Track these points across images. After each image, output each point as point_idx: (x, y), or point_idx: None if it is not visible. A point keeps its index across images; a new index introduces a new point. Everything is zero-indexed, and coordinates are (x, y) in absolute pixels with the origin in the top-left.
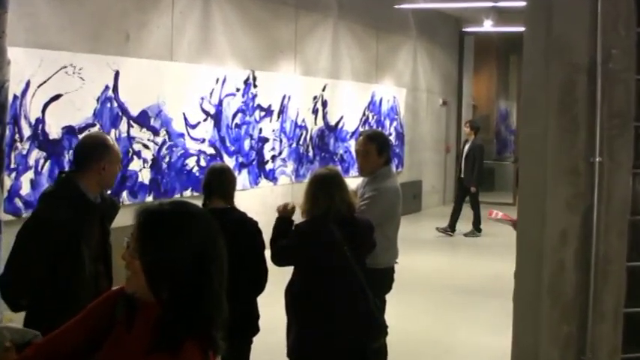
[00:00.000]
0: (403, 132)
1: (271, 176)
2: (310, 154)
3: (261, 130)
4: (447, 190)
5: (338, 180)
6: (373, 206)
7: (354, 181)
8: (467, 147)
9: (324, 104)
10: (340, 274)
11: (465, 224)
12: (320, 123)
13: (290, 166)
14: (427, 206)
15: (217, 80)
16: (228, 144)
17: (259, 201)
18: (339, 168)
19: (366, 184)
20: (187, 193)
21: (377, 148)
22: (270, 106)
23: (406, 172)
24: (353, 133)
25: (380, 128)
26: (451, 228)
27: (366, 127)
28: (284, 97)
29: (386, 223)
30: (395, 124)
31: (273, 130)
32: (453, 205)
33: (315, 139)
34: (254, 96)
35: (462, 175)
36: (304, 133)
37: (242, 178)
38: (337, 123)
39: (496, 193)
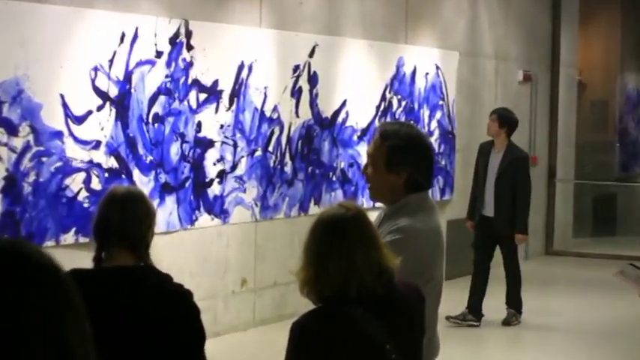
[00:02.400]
0: (453, 130)
1: (218, 208)
2: (288, 168)
3: (199, 125)
4: (533, 234)
5: (360, 227)
6: None
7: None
8: (496, 158)
9: (313, 80)
10: None
11: (494, 299)
12: (305, 113)
13: (252, 191)
14: (498, 262)
15: (122, 37)
16: (141, 151)
17: (197, 254)
18: (358, 203)
19: (384, 218)
20: (68, 237)
21: (386, 155)
22: (215, 83)
23: (458, 202)
24: (365, 132)
25: (411, 121)
26: (474, 312)
27: (387, 120)
28: (241, 67)
29: None
30: (438, 115)
31: (222, 127)
32: (473, 269)
33: (298, 141)
34: (188, 65)
35: (488, 213)
36: (277, 131)
37: (165, 213)
38: (336, 113)
39: (621, 239)
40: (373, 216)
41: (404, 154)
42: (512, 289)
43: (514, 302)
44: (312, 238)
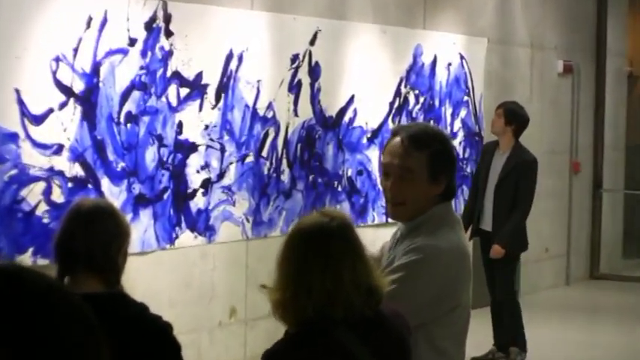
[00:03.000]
0: (480, 131)
1: (202, 224)
2: (285, 176)
3: (180, 126)
4: (575, 254)
5: (346, 239)
6: (407, 287)
7: (381, 235)
8: (499, 161)
9: (315, 72)
10: None
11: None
12: (306, 112)
13: (242, 203)
14: (533, 288)
15: (89, 22)
16: (111, 156)
17: (177, 279)
18: (346, 212)
19: (401, 237)
20: (25, 259)
21: (428, 165)
22: (199, 76)
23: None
24: (375, 134)
25: (432, 122)
26: (503, 348)
27: (403, 121)
28: (229, 57)
29: (436, 322)
30: (463, 113)
31: (207, 128)
32: (490, 297)
33: (297, 145)
34: (166, 55)
35: (487, 226)
36: (272, 132)
37: (140, 230)
38: (342, 112)
39: None
40: (366, 230)
41: (446, 161)
42: (510, 322)
43: (515, 339)
44: (291, 252)
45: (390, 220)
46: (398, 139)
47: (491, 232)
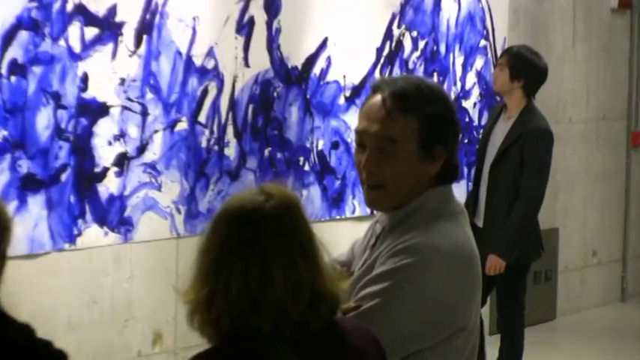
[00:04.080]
0: None
1: (115, 217)
2: (231, 150)
3: (85, 80)
4: (635, 260)
5: (282, 226)
6: (394, 303)
7: (363, 232)
8: (501, 130)
9: (273, 6)
10: None
11: None
12: (261, 61)
13: (171, 187)
14: (575, 306)
15: None
16: None
17: (79, 291)
18: (317, 200)
19: (383, 233)
20: None
21: (419, 134)
22: (111, 10)
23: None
24: (357, 92)
25: (435, 75)
26: None
27: (396, 74)
28: None
29: (434, 349)
30: (479, 63)
31: (123, 82)
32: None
33: (247, 106)
34: None
35: (479, 220)
36: (213, 89)
37: (28, 224)
38: (311, 61)
39: None
40: (327, 225)
41: (444, 128)
42: (508, 355)
43: None
44: (212, 239)
45: (371, 209)
46: (378, 97)
47: (483, 229)
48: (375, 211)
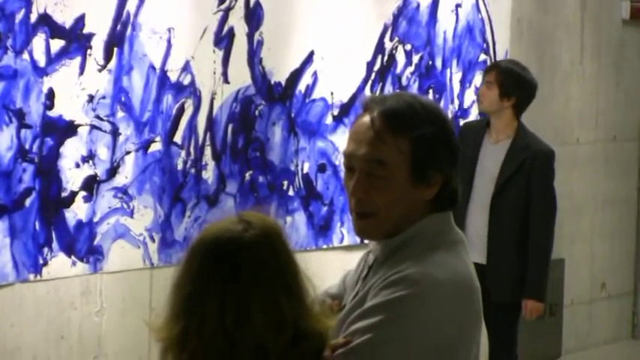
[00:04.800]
0: None
1: (84, 246)
2: (209, 173)
3: (51, 96)
4: None
5: (263, 258)
6: (388, 338)
7: (353, 262)
8: (493, 155)
9: (255, 17)
10: None
11: None
12: (241, 76)
13: (144, 214)
14: (582, 343)
15: None
16: None
17: (45, 327)
18: (302, 227)
19: (375, 264)
20: None
21: (411, 157)
22: (80, 21)
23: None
24: (346, 110)
25: (430, 90)
26: None
27: (388, 91)
28: None
29: None
30: (478, 79)
31: (91, 100)
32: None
33: (227, 126)
34: None
35: (475, 257)
36: (191, 107)
37: None
38: (296, 77)
39: None
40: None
41: (439, 150)
42: None
43: None
44: (185, 271)
45: (360, 237)
46: (367, 117)
47: (486, 265)
48: (366, 240)
